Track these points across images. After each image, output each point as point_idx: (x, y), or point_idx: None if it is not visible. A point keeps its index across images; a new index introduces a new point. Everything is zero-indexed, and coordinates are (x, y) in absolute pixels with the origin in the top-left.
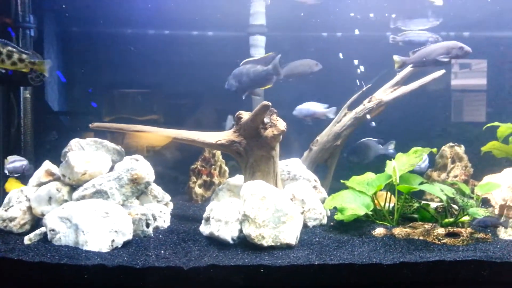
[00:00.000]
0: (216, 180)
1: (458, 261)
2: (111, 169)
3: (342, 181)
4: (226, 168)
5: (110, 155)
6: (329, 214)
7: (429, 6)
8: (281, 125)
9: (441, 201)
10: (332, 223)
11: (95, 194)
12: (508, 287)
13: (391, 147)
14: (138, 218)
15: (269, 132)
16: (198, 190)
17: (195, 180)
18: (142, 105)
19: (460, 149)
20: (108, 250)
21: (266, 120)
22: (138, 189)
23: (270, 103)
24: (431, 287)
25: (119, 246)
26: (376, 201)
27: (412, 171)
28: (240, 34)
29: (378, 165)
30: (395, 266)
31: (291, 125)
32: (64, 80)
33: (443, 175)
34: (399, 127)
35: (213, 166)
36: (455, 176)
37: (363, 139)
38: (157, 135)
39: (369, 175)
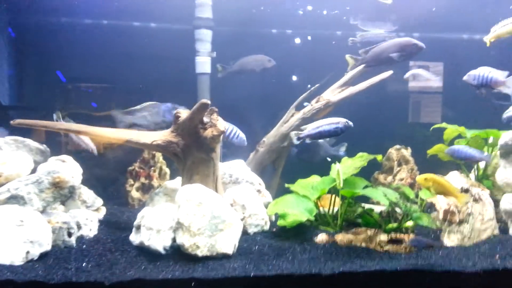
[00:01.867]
0: (155, 183)
1: (399, 270)
2: (34, 171)
3: (286, 185)
4: (167, 170)
5: (32, 156)
6: (273, 219)
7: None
8: (221, 125)
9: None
10: (274, 229)
11: (10, 199)
12: None
13: (342, 149)
14: (58, 226)
15: (208, 133)
16: (135, 194)
17: (132, 183)
18: (96, 99)
19: (407, 152)
20: (22, 263)
21: (205, 119)
22: (61, 194)
23: (209, 101)
24: None
25: (35, 258)
26: (320, 205)
27: None
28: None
29: (328, 167)
30: (334, 276)
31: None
32: (64, 80)
33: (389, 178)
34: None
35: (152, 168)
36: (401, 179)
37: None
38: (93, 134)
39: (315, 179)
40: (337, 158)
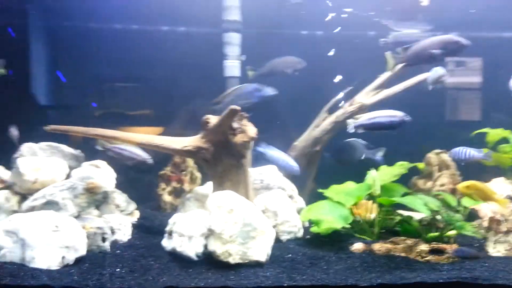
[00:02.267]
0: (186, 187)
1: (441, 283)
2: (68, 176)
3: (319, 190)
4: (198, 174)
5: (66, 161)
6: (307, 225)
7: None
8: (251, 131)
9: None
10: (308, 236)
11: (45, 205)
12: None
13: (379, 154)
14: (93, 232)
15: (238, 139)
16: (167, 198)
17: (164, 187)
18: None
19: (447, 156)
20: (58, 268)
21: (235, 125)
22: (95, 199)
23: (238, 107)
24: None
25: (71, 263)
26: (356, 212)
27: None
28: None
29: (362, 172)
30: None
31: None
32: (64, 80)
33: (429, 184)
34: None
35: (183, 172)
36: (442, 185)
37: (350, 139)
38: (125, 139)
39: (349, 185)
40: (373, 162)
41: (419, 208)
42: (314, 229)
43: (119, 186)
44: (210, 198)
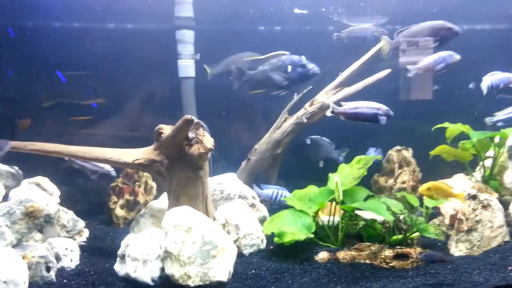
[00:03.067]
0: (141, 199)
1: None
2: (6, 198)
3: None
4: (153, 184)
5: (2, 181)
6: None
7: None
8: (208, 142)
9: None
10: (271, 247)
11: None
12: None
13: (343, 155)
14: (35, 261)
15: (194, 150)
16: (120, 212)
17: (116, 200)
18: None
19: (408, 153)
20: None
21: (191, 135)
22: (37, 224)
23: (193, 118)
24: None
25: None
26: (321, 212)
27: None
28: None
29: (325, 172)
30: None
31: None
32: (64, 80)
33: (391, 181)
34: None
35: (137, 183)
36: (403, 182)
37: (315, 136)
38: (68, 154)
39: (312, 189)
40: (333, 163)
41: (382, 214)
42: (277, 240)
43: (66, 197)
44: (165, 217)
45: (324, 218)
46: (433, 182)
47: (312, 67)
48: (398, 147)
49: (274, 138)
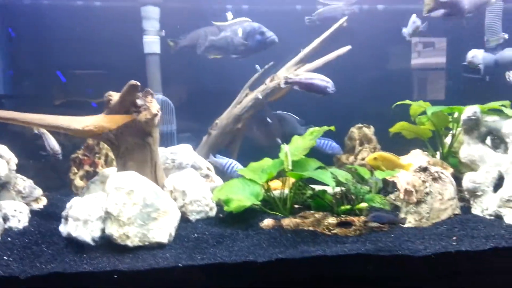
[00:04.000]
0: (100, 170)
1: (341, 255)
2: None
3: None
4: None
5: None
6: (222, 205)
7: None
8: (154, 107)
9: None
10: (221, 215)
11: None
12: (396, 281)
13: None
14: None
15: (142, 116)
16: (79, 183)
17: (76, 171)
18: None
19: (369, 131)
20: None
21: (140, 102)
22: None
23: (137, 83)
24: (310, 285)
25: None
26: (273, 187)
27: None
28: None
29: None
30: (270, 263)
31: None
32: (64, 80)
33: (351, 158)
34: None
35: (97, 155)
36: (363, 159)
37: (281, 111)
38: (20, 120)
39: (266, 161)
40: None
41: (326, 181)
42: (227, 207)
43: (36, 173)
44: (109, 180)
45: (277, 192)
46: (380, 152)
47: (271, 35)
48: (360, 125)
49: (235, 113)
